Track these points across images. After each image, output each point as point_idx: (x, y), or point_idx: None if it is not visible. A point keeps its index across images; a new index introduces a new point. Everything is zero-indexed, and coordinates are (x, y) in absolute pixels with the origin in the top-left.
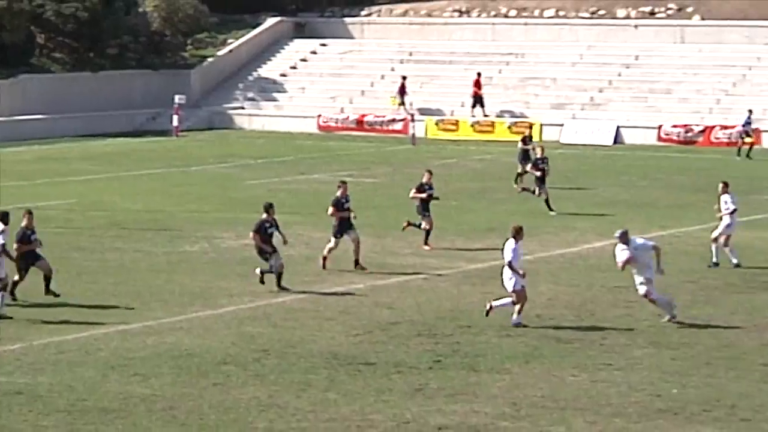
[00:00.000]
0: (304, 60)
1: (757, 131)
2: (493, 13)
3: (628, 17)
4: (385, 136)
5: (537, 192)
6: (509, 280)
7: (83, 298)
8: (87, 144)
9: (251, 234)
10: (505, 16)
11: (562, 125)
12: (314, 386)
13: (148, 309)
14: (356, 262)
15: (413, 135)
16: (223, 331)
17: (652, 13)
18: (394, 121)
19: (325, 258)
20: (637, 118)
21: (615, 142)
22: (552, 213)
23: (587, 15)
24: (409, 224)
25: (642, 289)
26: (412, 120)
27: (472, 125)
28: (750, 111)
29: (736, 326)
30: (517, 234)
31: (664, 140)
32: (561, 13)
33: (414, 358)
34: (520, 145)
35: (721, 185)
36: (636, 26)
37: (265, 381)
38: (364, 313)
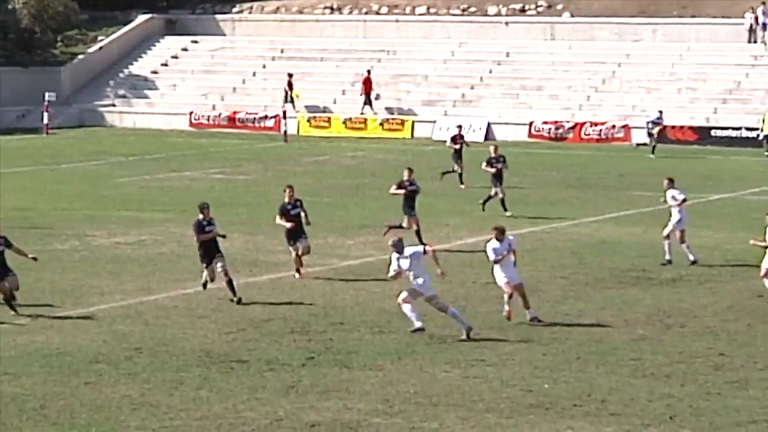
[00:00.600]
0: (175, 57)
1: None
2: (364, 10)
3: (498, 14)
4: (257, 133)
5: (493, 191)
6: (501, 278)
7: None
8: None
9: (194, 236)
10: (377, 13)
11: (434, 122)
12: (187, 384)
13: (17, 307)
14: (297, 270)
15: (285, 132)
16: (94, 330)
17: (522, 10)
18: (266, 118)
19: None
20: (508, 114)
21: (486, 138)
22: (507, 214)
23: (458, 12)
24: (390, 228)
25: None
26: (284, 117)
27: (344, 122)
28: (660, 111)
29: (606, 322)
30: (500, 234)
31: (535, 136)
32: (432, 10)
33: (287, 356)
34: (449, 143)
35: (666, 181)
36: (507, 23)
37: (137, 379)
38: (237, 310)
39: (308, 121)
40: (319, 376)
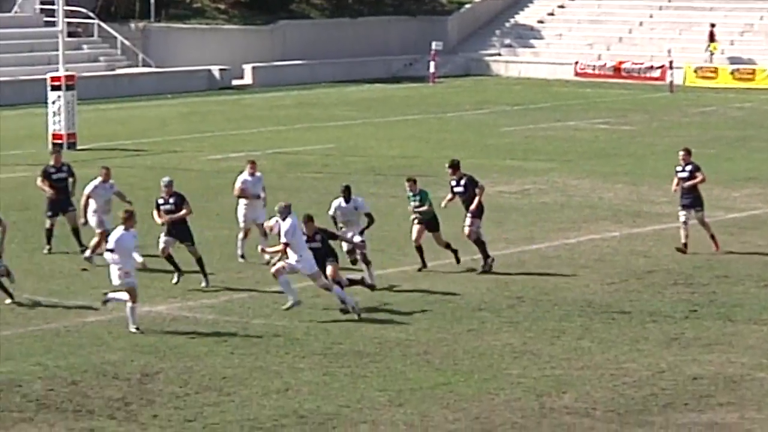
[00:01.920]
0: (561, 6)
1: None
2: None
3: None
4: (643, 83)
5: None
6: None
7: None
8: (344, 90)
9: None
10: None
11: None
12: (568, 334)
13: (402, 254)
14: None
15: (671, 83)
16: (477, 278)
17: None
18: (651, 68)
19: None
20: None
21: None
22: None
23: None
24: None
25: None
26: (670, 67)
27: (731, 73)
28: None
29: None
30: None
31: None
32: None
33: (669, 308)
34: None
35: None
36: None
37: (519, 328)
38: (619, 261)
39: (694, 71)
40: (701, 329)
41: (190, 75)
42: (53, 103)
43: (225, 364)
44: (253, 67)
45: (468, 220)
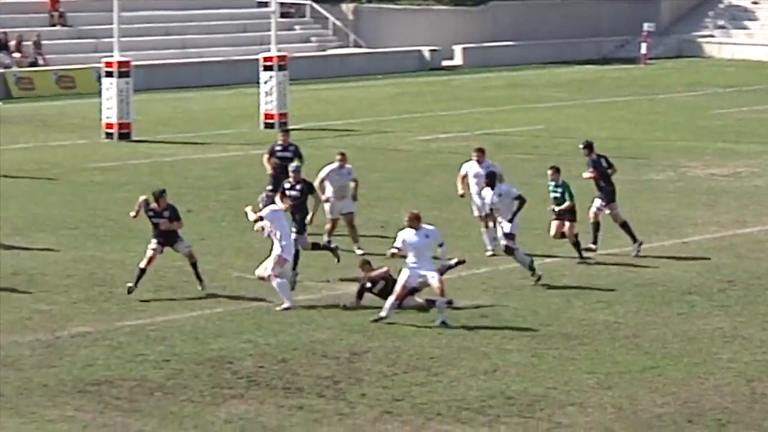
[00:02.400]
0: None
1: None
2: None
3: None
4: None
5: None
6: None
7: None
8: (555, 71)
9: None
10: None
11: None
12: None
13: (612, 236)
14: None
15: None
16: (688, 261)
17: None
18: None
19: None
20: None
21: None
22: None
23: None
24: None
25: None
26: None
27: None
28: None
29: None
30: None
31: None
32: None
33: None
34: None
35: None
36: None
37: (729, 312)
38: None
39: None
40: None
41: (401, 56)
42: (265, 83)
43: (433, 344)
44: (464, 48)
45: (598, 203)
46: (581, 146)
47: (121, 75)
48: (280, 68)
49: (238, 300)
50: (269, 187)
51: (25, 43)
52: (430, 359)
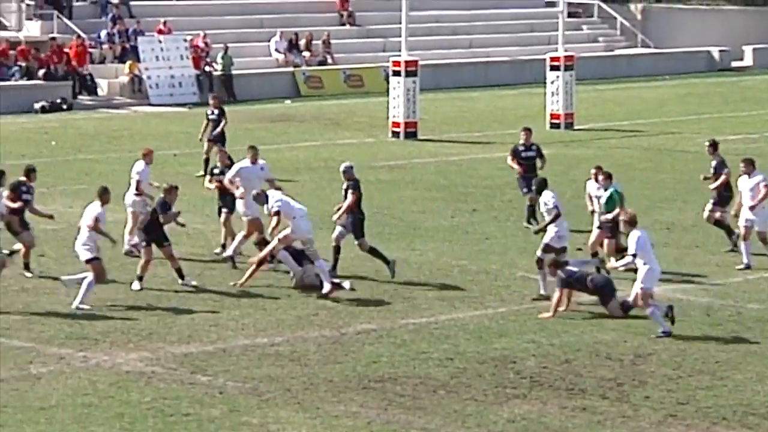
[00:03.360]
0: None
1: None
2: None
3: None
4: None
5: None
6: None
7: None
8: None
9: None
10: None
11: None
12: None
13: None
14: None
15: None
16: None
17: None
18: None
19: None
20: None
21: None
22: None
23: None
24: None
25: None
26: None
27: None
28: None
29: None
30: None
31: None
32: None
33: None
34: None
35: None
36: None
37: None
38: None
39: None
40: None
41: (689, 56)
42: (552, 83)
43: (719, 348)
44: (754, 49)
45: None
46: (707, 144)
47: (408, 74)
48: (567, 68)
49: (522, 299)
50: (524, 189)
51: (314, 42)
52: (716, 363)
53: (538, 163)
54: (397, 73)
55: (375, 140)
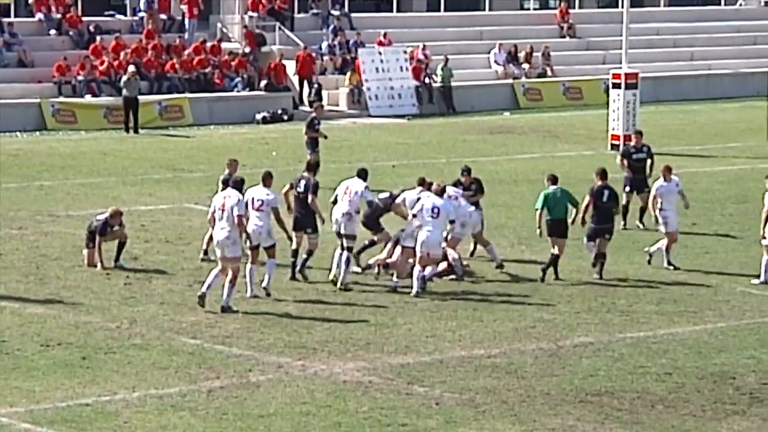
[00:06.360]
0: None
1: None
2: None
3: None
4: None
5: None
6: None
7: None
8: None
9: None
10: None
11: None
12: None
13: None
14: None
15: None
16: None
17: None
18: None
19: None
20: None
21: None
22: None
23: None
24: None
25: None
26: None
27: None
28: None
29: None
30: None
31: None
32: None
33: None
34: None
35: None
36: None
37: None
38: None
39: None
40: None
41: None
42: None
43: None
44: None
45: None
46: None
47: (628, 87)
48: None
49: (742, 315)
50: (627, 189)
51: (534, 54)
52: None
53: (647, 165)
54: (617, 86)
55: (594, 153)
